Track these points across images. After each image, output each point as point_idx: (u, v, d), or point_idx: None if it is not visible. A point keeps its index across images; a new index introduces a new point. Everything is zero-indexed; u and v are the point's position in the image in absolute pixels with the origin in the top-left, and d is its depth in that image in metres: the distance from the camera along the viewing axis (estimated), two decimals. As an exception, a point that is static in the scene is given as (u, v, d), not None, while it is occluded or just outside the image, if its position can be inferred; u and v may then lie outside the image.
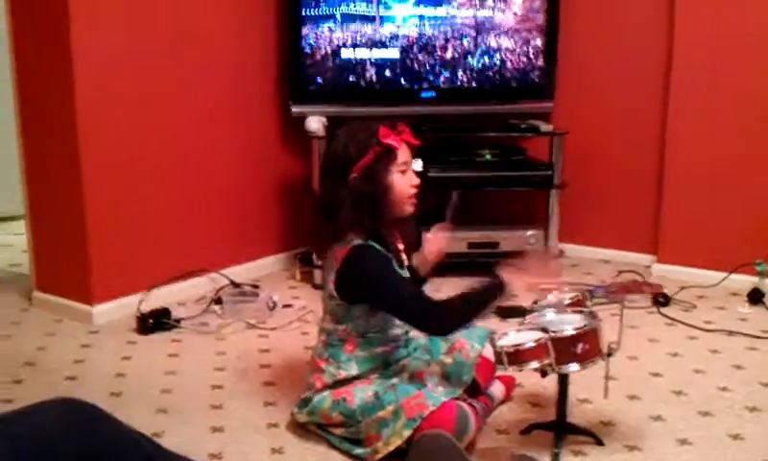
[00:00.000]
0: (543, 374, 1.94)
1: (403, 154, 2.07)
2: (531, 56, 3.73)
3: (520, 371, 1.98)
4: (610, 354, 1.97)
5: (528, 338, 1.91)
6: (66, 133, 2.97)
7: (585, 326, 1.93)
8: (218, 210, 3.53)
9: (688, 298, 3.34)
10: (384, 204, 2.05)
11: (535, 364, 1.90)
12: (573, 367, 1.91)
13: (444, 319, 2.02)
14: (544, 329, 1.91)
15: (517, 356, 1.90)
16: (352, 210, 2.02)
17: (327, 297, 2.12)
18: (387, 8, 3.62)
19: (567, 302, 2.12)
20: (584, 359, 1.90)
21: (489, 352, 2.10)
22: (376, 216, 2.05)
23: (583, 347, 1.87)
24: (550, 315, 2.01)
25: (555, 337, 1.88)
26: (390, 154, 2.04)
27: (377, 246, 2.07)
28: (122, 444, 1.29)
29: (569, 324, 1.94)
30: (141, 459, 1.30)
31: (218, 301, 3.22)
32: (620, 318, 2.02)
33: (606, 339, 1.99)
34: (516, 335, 1.94)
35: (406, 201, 2.09)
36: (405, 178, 2.08)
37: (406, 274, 2.14)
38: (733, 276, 3.43)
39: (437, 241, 2.28)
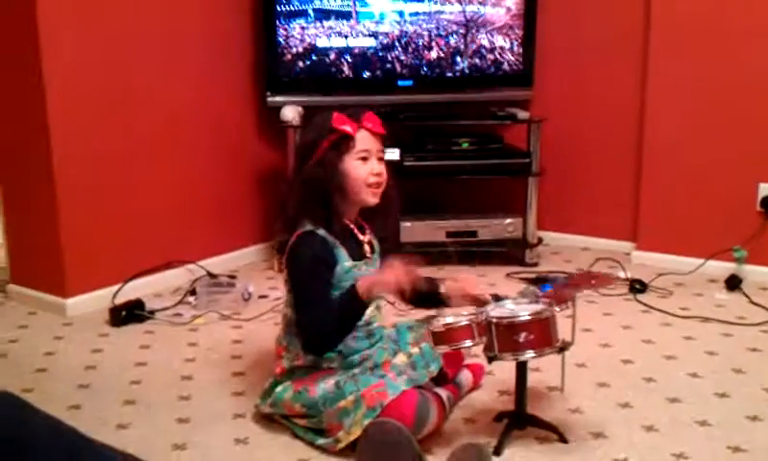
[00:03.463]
0: (490, 359, 1.93)
1: (363, 141, 2.05)
2: (509, 43, 3.72)
3: (450, 350, 1.97)
4: (563, 349, 1.95)
5: (459, 319, 1.91)
6: (38, 125, 2.94)
7: (529, 315, 1.90)
8: (195, 201, 3.51)
9: (666, 285, 3.33)
10: (336, 190, 2.03)
11: (468, 343, 1.90)
12: (524, 355, 1.90)
13: (317, 347, 2.04)
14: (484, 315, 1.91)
15: (447, 335, 1.90)
16: (302, 197, 2.02)
17: (284, 282, 2.13)
18: (364, 4, 3.60)
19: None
20: (527, 348, 1.88)
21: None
22: (328, 203, 2.03)
23: (526, 336, 1.85)
24: (509, 305, 1.99)
25: (486, 321, 1.89)
26: (345, 140, 2.03)
27: (327, 237, 2.04)
28: (49, 433, 1.28)
29: (522, 312, 1.92)
30: (66, 449, 1.29)
31: (193, 292, 3.20)
32: (573, 313, 2.00)
33: (572, 331, 1.97)
34: (452, 318, 1.94)
35: (364, 189, 2.06)
36: (364, 165, 2.05)
37: (365, 268, 2.10)
38: (712, 262, 3.42)
39: (394, 271, 1.97)
